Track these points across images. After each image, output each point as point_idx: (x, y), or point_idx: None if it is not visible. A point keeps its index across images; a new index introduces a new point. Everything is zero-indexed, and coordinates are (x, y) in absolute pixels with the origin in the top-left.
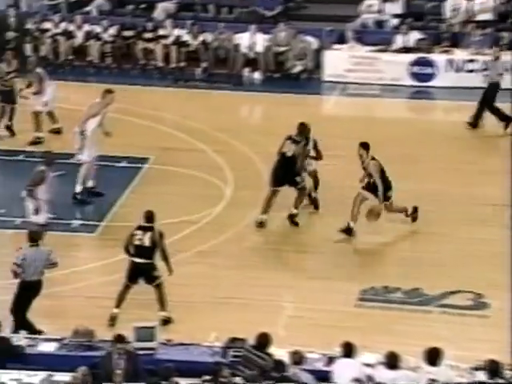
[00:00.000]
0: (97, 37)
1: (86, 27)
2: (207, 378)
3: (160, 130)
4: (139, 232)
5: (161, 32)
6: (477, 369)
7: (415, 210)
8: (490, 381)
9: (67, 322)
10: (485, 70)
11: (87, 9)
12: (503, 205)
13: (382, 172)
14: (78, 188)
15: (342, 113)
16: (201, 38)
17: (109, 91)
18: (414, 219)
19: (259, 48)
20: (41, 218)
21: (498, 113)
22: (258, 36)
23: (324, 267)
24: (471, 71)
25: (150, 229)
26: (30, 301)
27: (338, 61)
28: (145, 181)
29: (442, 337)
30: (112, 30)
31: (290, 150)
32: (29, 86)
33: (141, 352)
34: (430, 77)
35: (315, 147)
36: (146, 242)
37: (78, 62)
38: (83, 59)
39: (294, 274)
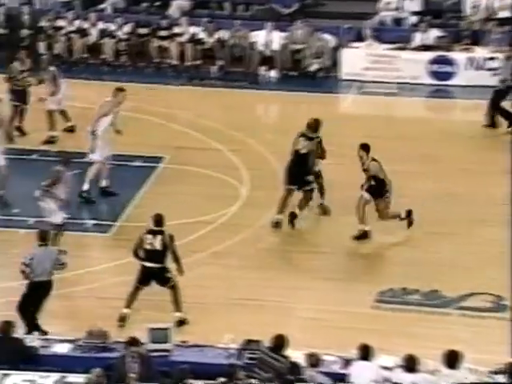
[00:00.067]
0: (111, 34)
1: (101, 25)
2: (222, 380)
3: (175, 129)
4: (149, 236)
5: (176, 30)
6: (496, 372)
7: (409, 213)
8: None
9: (80, 322)
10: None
11: (101, 6)
12: None
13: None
14: (86, 186)
15: (359, 112)
16: (216, 35)
17: (120, 89)
18: (410, 223)
19: (276, 46)
20: (57, 218)
21: (501, 112)
22: (275, 34)
23: (339, 268)
24: (492, 69)
25: (160, 232)
26: (40, 301)
27: (356, 59)
28: (159, 180)
29: (461, 339)
30: (126, 28)
31: (304, 147)
32: (40, 83)
33: (155, 354)
34: (449, 75)
35: (320, 145)
36: (157, 245)
37: (92, 60)
38: (97, 57)
39: (310, 275)
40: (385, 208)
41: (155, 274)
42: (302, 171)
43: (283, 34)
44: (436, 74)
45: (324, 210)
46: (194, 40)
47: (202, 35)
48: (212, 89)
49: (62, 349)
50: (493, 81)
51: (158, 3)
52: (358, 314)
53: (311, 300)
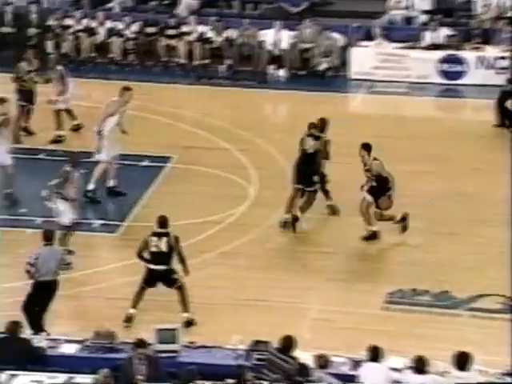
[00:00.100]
0: (119, 33)
1: (108, 24)
2: (230, 381)
3: (183, 128)
4: (154, 238)
5: (184, 28)
6: (507, 374)
7: (404, 218)
8: None
9: (88, 323)
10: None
11: (109, 5)
12: None
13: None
14: (91, 186)
15: (368, 111)
16: (225, 34)
17: (126, 89)
18: (404, 228)
19: (284, 45)
20: (66, 219)
21: (504, 112)
22: (284, 32)
23: (348, 269)
24: (502, 68)
25: (166, 234)
26: (45, 301)
27: (365, 58)
28: (167, 180)
29: (472, 341)
30: (134, 27)
31: (311, 146)
32: (47, 82)
33: (163, 354)
34: (459, 74)
35: (327, 145)
36: (163, 247)
37: (99, 59)
38: (105, 56)
39: (318, 275)
40: (388, 207)
41: (162, 275)
42: (309, 170)
43: (292, 33)
44: (446, 73)
45: (333, 210)
46: (203, 39)
47: (210, 34)
48: (220, 88)
49: (70, 349)
50: (503, 80)
51: (166, 2)
52: (367, 314)
53: (320, 301)
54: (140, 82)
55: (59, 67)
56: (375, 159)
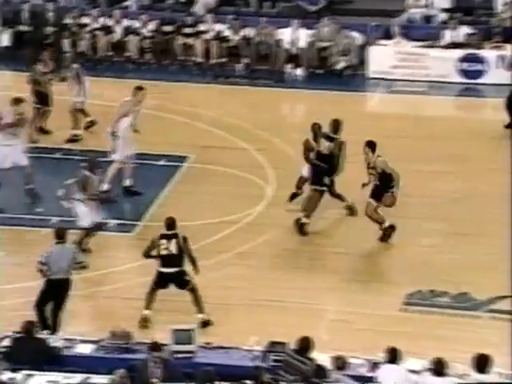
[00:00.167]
0: (136, 32)
1: (125, 22)
2: (247, 382)
3: (200, 127)
4: (163, 241)
5: (201, 27)
6: None
7: (391, 227)
8: None
9: (104, 323)
10: None
11: (126, 3)
12: None
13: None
14: (106, 186)
15: (386, 110)
16: (242, 33)
17: (140, 88)
18: (387, 236)
19: (302, 43)
20: (86, 222)
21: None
22: (301, 31)
23: (365, 270)
24: None
25: (174, 236)
26: (59, 300)
27: (384, 57)
28: (184, 180)
29: (491, 343)
30: (151, 25)
31: (326, 148)
32: (63, 80)
33: (179, 355)
34: (479, 74)
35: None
36: (173, 249)
37: (116, 58)
38: (122, 55)
39: (336, 276)
40: (391, 203)
41: (174, 277)
42: (322, 171)
43: (310, 32)
44: (466, 73)
45: (351, 211)
46: (220, 37)
47: (227, 33)
48: (237, 87)
49: (86, 349)
50: None
51: (183, 0)
52: (385, 316)
53: (337, 302)
54: (157, 81)
55: (75, 66)
56: (379, 156)
